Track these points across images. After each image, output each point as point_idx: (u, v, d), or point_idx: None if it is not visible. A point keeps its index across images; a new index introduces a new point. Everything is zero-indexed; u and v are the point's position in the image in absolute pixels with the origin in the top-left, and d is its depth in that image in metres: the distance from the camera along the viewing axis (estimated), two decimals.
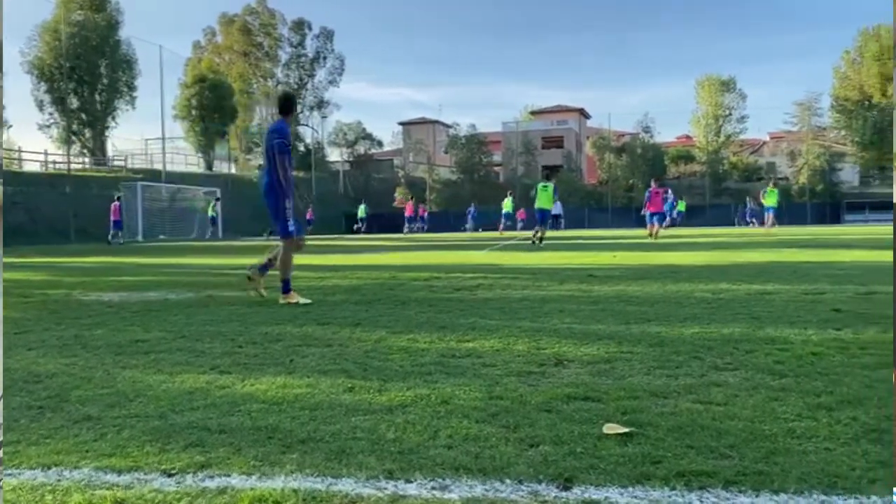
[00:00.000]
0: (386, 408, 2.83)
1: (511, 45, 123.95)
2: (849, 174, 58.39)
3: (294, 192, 6.72)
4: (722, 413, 2.63)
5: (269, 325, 5.14)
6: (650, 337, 4.26)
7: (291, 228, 6.54)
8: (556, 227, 30.42)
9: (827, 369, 3.31)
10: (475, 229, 45.72)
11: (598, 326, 4.72)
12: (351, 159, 64.17)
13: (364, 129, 64.64)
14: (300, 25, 62.17)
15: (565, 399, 2.89)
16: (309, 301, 6.40)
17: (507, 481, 2.04)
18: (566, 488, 1.98)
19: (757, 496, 1.90)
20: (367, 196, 55.76)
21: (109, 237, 29.76)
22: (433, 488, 2.00)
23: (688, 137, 67.66)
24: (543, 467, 2.14)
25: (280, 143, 6.40)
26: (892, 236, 19.62)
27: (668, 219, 38.52)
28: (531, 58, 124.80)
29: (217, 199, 38.66)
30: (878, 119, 56.05)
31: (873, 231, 27.33)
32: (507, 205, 31.81)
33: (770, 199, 32.40)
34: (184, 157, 52.87)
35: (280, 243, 6.71)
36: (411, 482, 2.05)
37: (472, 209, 48.58)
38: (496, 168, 65.33)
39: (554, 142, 64.43)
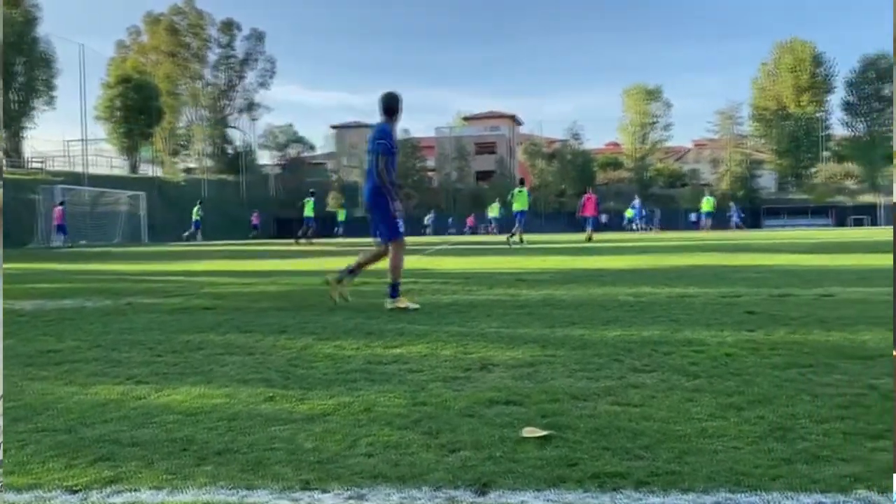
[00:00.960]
0: (306, 417, 2.78)
1: (444, 51, 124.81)
2: (767, 181, 60.97)
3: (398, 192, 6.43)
4: (638, 414, 2.70)
5: (190, 333, 5.00)
6: (573, 340, 4.34)
7: (402, 230, 6.39)
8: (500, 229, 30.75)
9: (739, 370, 3.43)
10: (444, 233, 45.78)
11: (525, 330, 4.77)
12: (282, 162, 63.26)
13: (296, 132, 63.89)
14: (229, 26, 61.02)
15: (488, 403, 2.91)
16: (418, 306, 6.14)
17: (425, 488, 2.03)
18: (483, 493, 1.99)
19: (666, 496, 1.95)
20: (299, 200, 55.17)
21: (62, 241, 29.30)
22: (349, 498, 1.98)
23: (616, 144, 69.49)
24: (462, 473, 2.14)
25: (383, 144, 6.20)
26: (808, 241, 20.57)
27: (638, 223, 40.86)
28: (464, 64, 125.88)
29: (200, 202, 37.91)
30: (793, 128, 58.77)
31: (791, 235, 28.61)
32: (493, 209, 31.64)
33: (707, 206, 37.08)
34: (107, 160, 51.07)
35: (373, 247, 6.64)
36: (327, 492, 2.02)
37: (431, 215, 48.76)
38: (430, 173, 65.56)
39: (487, 147, 65.13)
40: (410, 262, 13.99)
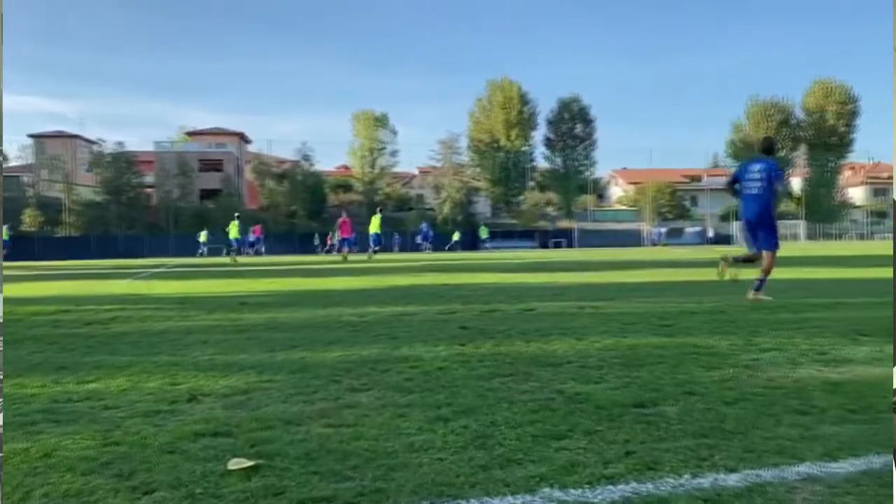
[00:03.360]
0: None
1: (163, 61, 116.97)
2: (483, 206, 66.30)
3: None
4: (350, 435, 2.69)
5: None
6: (293, 363, 4.24)
7: (777, 241, 7.95)
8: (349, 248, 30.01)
9: (449, 382, 3.61)
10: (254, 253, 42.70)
11: (242, 356, 4.57)
12: None
13: None
14: None
15: (193, 437, 2.70)
16: (771, 299, 7.37)
17: None
18: None
19: None
20: None
21: None
22: None
23: (346, 168, 70.76)
24: None
25: (780, 172, 8.06)
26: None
27: (425, 244, 43.65)
28: (186, 76, 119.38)
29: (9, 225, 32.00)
30: (504, 159, 64.79)
31: (501, 256, 31.35)
32: (374, 225, 29.37)
33: (483, 233, 46.07)
34: None
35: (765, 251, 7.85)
36: None
37: (253, 236, 44.96)
38: (148, 190, 60.96)
39: (212, 165, 62.25)
40: (120, 287, 12.81)
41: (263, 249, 44.11)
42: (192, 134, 67.68)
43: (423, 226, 49.03)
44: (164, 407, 3.22)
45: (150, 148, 61.44)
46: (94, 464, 2.40)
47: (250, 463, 2.34)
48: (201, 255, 44.04)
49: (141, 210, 57.71)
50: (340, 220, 27.29)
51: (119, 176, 56.41)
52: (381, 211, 29.53)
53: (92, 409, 3.20)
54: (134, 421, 2.97)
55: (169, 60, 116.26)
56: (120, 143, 57.99)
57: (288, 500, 2.05)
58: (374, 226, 27.56)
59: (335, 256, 28.94)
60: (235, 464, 2.34)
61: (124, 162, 56.79)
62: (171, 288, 12.21)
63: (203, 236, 46.20)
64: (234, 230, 30.27)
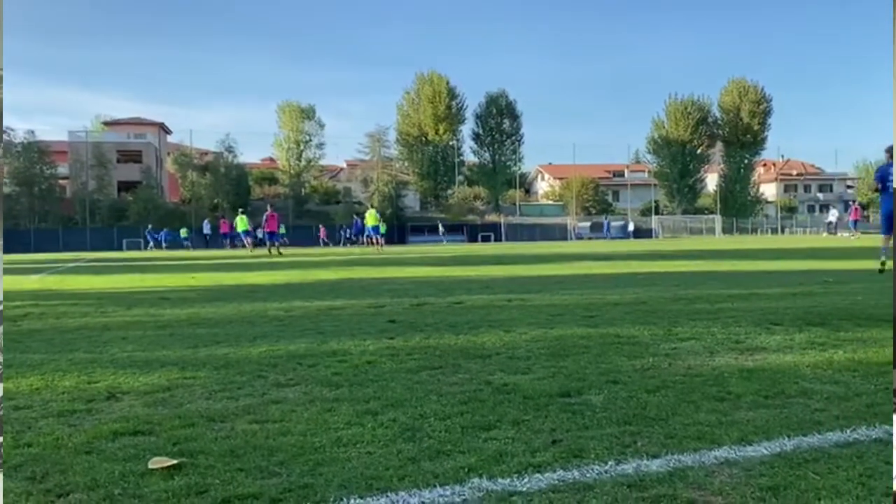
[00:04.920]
0: None
1: (77, 46, 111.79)
2: (412, 200, 66.17)
3: None
4: (276, 430, 2.64)
5: None
6: (216, 359, 4.14)
7: None
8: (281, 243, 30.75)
9: (378, 376, 3.59)
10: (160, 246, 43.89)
11: (163, 352, 4.43)
12: None
13: None
14: None
15: (111, 436, 2.60)
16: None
17: None
18: None
19: None
20: None
21: None
22: None
23: (272, 160, 69.40)
24: None
25: None
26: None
27: (353, 237, 44.23)
28: (102, 63, 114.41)
29: None
30: (432, 153, 64.79)
31: (430, 249, 31.42)
32: (372, 219, 29.31)
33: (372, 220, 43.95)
34: None
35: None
36: None
37: (160, 232, 47.72)
38: (62, 181, 58.27)
39: (131, 156, 59.96)
40: (31, 283, 12.22)
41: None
42: (109, 123, 64.98)
43: (357, 220, 48.99)
44: (80, 406, 3.09)
45: (64, 138, 58.69)
46: (5, 466, 2.28)
47: (172, 461, 2.27)
48: (187, 248, 45.58)
49: (54, 202, 55.11)
50: (267, 213, 26.88)
51: (30, 166, 53.66)
52: (373, 206, 32.38)
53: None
54: (47, 421, 2.84)
55: (82, 46, 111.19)
56: (31, 132, 55.18)
57: (212, 498, 1.99)
58: (372, 220, 29.35)
59: (259, 251, 28.68)
60: (157, 463, 2.26)
61: (36, 152, 54.04)
62: (87, 283, 11.72)
63: (184, 232, 48.51)
64: (242, 224, 31.83)
